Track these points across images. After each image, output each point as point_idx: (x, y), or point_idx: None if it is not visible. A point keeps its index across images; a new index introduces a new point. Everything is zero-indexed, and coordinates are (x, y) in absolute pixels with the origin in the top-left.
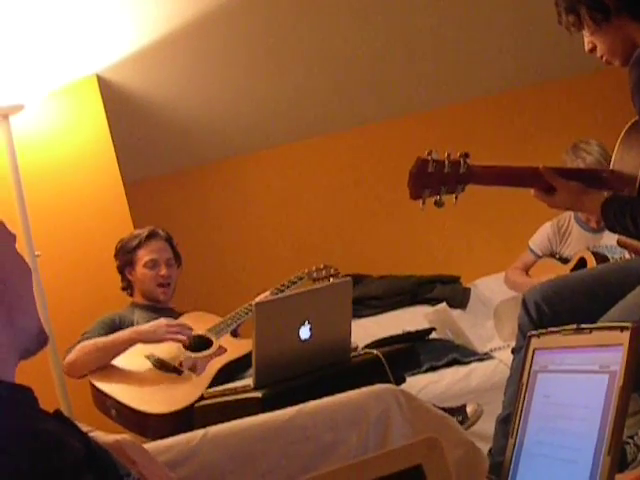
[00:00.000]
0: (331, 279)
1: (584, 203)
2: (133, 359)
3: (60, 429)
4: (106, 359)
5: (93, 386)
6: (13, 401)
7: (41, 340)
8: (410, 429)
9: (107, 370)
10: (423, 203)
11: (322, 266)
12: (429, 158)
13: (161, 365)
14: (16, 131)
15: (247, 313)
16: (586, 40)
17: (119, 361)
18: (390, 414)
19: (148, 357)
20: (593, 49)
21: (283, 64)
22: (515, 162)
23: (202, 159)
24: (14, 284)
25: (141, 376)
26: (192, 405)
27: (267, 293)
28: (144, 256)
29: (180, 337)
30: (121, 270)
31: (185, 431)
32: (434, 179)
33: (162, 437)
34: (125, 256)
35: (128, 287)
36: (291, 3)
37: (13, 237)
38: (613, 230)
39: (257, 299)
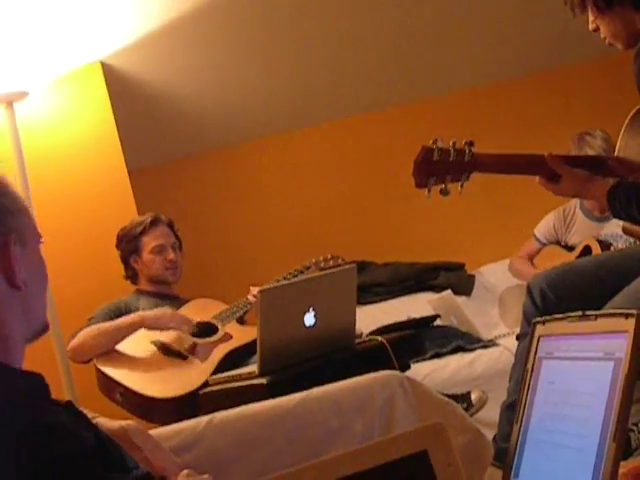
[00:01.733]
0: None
1: (589, 190)
2: (139, 344)
3: (71, 420)
4: (111, 343)
5: (98, 370)
6: (28, 391)
7: (44, 331)
8: (415, 415)
9: (112, 354)
10: (429, 192)
11: (330, 256)
12: (434, 146)
13: (166, 350)
14: (20, 118)
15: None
16: (590, 20)
17: (124, 346)
18: (395, 400)
19: (153, 342)
20: (596, 29)
21: (286, 49)
22: (520, 150)
23: (206, 146)
24: (33, 286)
25: (146, 361)
26: (197, 390)
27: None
28: (150, 242)
29: (183, 327)
30: (125, 259)
31: (190, 415)
32: (439, 167)
33: (167, 421)
34: (129, 244)
35: (133, 275)
36: None
37: (40, 237)
38: (619, 217)
39: (252, 290)
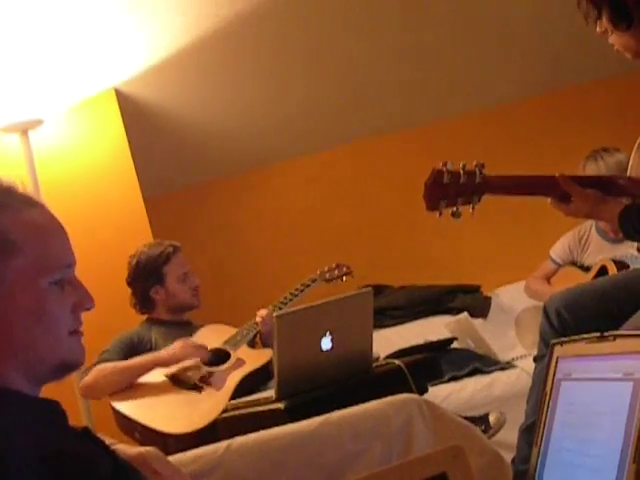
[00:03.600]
0: (344, 278)
1: (601, 212)
2: (152, 378)
3: (89, 448)
4: (123, 384)
5: (115, 410)
6: (41, 420)
7: (65, 370)
8: (433, 438)
9: (126, 390)
10: (440, 214)
11: (334, 265)
12: (444, 169)
13: (181, 383)
14: (35, 146)
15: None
16: (602, 27)
17: (139, 380)
18: (413, 423)
19: (167, 375)
20: (606, 32)
21: (298, 75)
22: (530, 171)
23: (221, 172)
24: (26, 327)
25: (161, 395)
26: (214, 422)
27: (269, 308)
28: (174, 271)
29: (197, 357)
30: (144, 291)
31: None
32: (450, 190)
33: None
34: (151, 276)
35: (149, 306)
36: (301, 18)
37: (47, 272)
38: (631, 238)
39: (259, 313)
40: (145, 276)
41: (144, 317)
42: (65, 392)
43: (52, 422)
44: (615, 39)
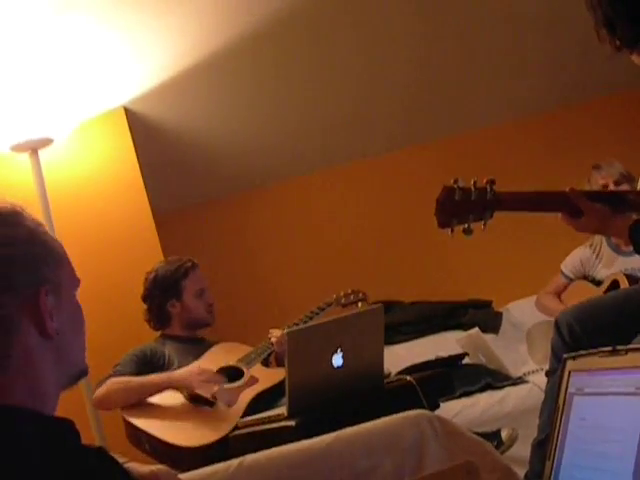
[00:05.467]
0: (359, 304)
1: (611, 227)
2: (166, 392)
3: (104, 467)
4: (135, 399)
5: (125, 420)
6: (56, 438)
7: (82, 374)
8: (445, 454)
9: (139, 404)
10: (451, 232)
11: (350, 291)
12: (455, 186)
13: (194, 398)
14: (45, 165)
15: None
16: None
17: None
18: (425, 439)
19: (180, 390)
20: (619, 49)
21: (306, 92)
22: (542, 187)
23: (230, 189)
24: (67, 333)
25: (174, 409)
26: (226, 437)
27: (284, 328)
28: (192, 286)
29: (209, 391)
30: (160, 304)
31: (219, 461)
32: (461, 207)
33: (196, 469)
34: (169, 289)
35: (164, 320)
36: (312, 35)
37: (77, 282)
38: None
39: (273, 333)
40: (163, 289)
41: (154, 334)
42: (76, 408)
43: (66, 442)
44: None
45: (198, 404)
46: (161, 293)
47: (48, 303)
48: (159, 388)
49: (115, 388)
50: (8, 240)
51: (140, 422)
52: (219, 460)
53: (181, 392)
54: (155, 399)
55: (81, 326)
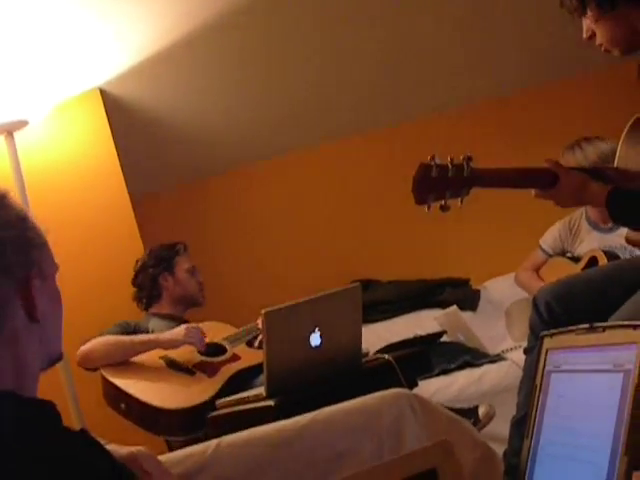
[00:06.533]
0: None
1: (587, 193)
2: (147, 358)
3: (86, 449)
4: (121, 357)
5: (105, 380)
6: (37, 422)
7: (59, 359)
8: (424, 433)
9: (120, 365)
10: (428, 208)
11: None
12: (432, 163)
13: (174, 365)
14: (21, 147)
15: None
16: (585, 27)
17: (133, 359)
18: (404, 418)
19: (162, 357)
20: (592, 36)
21: (285, 71)
22: (518, 164)
23: (208, 170)
24: (50, 317)
25: (154, 374)
26: (203, 404)
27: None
28: (185, 263)
29: (197, 342)
30: (153, 276)
31: (195, 429)
32: (438, 184)
33: (171, 434)
34: (162, 262)
35: (155, 295)
36: (285, 15)
37: (56, 267)
38: (617, 221)
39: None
40: (157, 262)
41: (133, 319)
42: (54, 396)
43: (49, 423)
44: (602, 34)
45: (179, 372)
46: (154, 266)
47: (37, 286)
48: (146, 347)
49: (102, 343)
50: (1, 223)
51: (120, 382)
52: (194, 429)
53: (163, 359)
54: (136, 363)
55: (60, 310)
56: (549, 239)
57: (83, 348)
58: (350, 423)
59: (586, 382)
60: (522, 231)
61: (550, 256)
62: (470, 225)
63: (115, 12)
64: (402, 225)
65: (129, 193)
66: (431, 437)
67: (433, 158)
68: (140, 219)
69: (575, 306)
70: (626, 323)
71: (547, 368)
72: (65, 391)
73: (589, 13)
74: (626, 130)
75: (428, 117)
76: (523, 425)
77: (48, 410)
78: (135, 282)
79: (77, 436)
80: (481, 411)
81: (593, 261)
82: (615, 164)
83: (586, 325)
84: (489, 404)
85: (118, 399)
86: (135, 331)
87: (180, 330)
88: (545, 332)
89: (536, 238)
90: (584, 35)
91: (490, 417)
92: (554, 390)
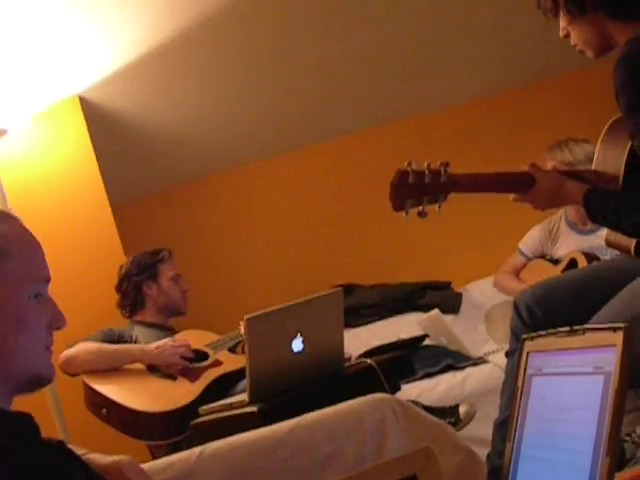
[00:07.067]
0: None
1: (564, 193)
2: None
3: (63, 461)
4: (105, 366)
5: (86, 385)
6: (14, 434)
7: (40, 381)
8: (406, 438)
9: (102, 371)
10: (406, 214)
11: None
12: (409, 169)
13: (156, 370)
14: (0, 156)
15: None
16: (561, 26)
17: None
18: (386, 423)
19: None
20: (567, 36)
21: (265, 74)
22: (496, 168)
23: (187, 176)
24: (7, 336)
25: (135, 378)
26: (184, 407)
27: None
28: (168, 270)
29: (184, 363)
30: (137, 284)
31: (176, 433)
32: (415, 190)
33: (152, 438)
34: (146, 270)
35: (139, 303)
36: (265, 20)
37: (33, 280)
38: (595, 221)
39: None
40: (140, 270)
41: (116, 326)
42: (38, 406)
43: (25, 435)
44: (575, 36)
45: (160, 377)
46: (138, 274)
47: None
48: (132, 358)
49: (86, 349)
50: None
51: (101, 387)
52: (176, 433)
53: (144, 365)
54: (118, 367)
55: (30, 327)
56: (528, 242)
57: (66, 352)
58: (333, 428)
59: (567, 385)
60: (502, 233)
61: (529, 259)
62: (451, 228)
63: (92, 20)
64: (383, 229)
65: (110, 199)
66: (413, 441)
67: (410, 164)
68: (120, 226)
69: (556, 309)
70: (606, 326)
71: (528, 371)
72: (48, 396)
73: (562, 15)
74: (603, 133)
75: (406, 120)
76: (506, 427)
77: (25, 421)
78: (119, 289)
79: (55, 448)
80: (462, 410)
81: (573, 263)
82: (593, 167)
83: (566, 328)
84: (470, 403)
85: (99, 404)
86: (119, 339)
87: (166, 344)
88: (526, 335)
89: (516, 240)
90: (560, 33)
91: (471, 416)
92: (535, 393)
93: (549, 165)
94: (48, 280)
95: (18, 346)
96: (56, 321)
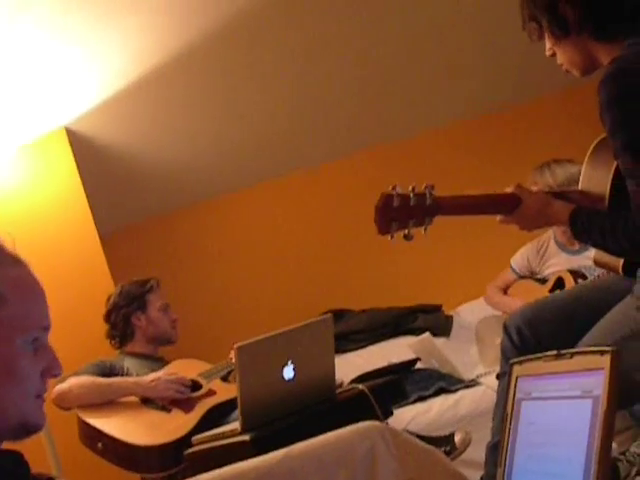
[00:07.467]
0: None
1: (551, 212)
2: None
3: None
4: (98, 400)
5: (81, 420)
6: (3, 472)
7: (28, 429)
8: (397, 465)
9: (96, 405)
10: (392, 237)
11: None
12: (393, 193)
13: (150, 403)
14: None
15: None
16: (547, 46)
17: None
18: (376, 451)
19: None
20: (554, 55)
21: (249, 103)
22: (483, 189)
23: (177, 205)
24: (1, 385)
25: (129, 412)
26: (180, 440)
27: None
28: (157, 300)
29: (179, 395)
30: (126, 315)
31: (173, 465)
32: (401, 213)
33: (149, 471)
34: (135, 300)
35: (129, 335)
36: (246, 46)
37: (27, 327)
38: (581, 240)
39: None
40: (129, 301)
41: (106, 358)
42: (30, 440)
43: (15, 473)
44: (561, 56)
45: (154, 409)
46: (127, 305)
47: None
48: (127, 392)
49: (79, 384)
50: None
51: (96, 422)
52: (172, 465)
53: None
54: (112, 401)
55: (21, 375)
56: (519, 259)
57: (59, 387)
58: (323, 457)
59: (556, 409)
60: (492, 255)
61: (519, 277)
62: (440, 251)
63: (77, 51)
64: (372, 254)
65: (98, 230)
66: (403, 469)
67: (395, 188)
68: (111, 255)
69: (546, 330)
70: (593, 349)
71: (517, 396)
72: (42, 437)
73: (546, 37)
74: (589, 153)
75: (392, 144)
76: (498, 451)
77: (15, 459)
78: (108, 320)
79: None
80: (457, 438)
81: (560, 282)
82: (579, 187)
83: (554, 352)
84: (465, 431)
85: (95, 439)
86: (111, 371)
87: (160, 378)
88: (514, 360)
89: (506, 261)
90: (547, 53)
91: (467, 444)
92: (525, 418)
93: (534, 188)
94: (47, 329)
95: (7, 394)
96: (52, 369)
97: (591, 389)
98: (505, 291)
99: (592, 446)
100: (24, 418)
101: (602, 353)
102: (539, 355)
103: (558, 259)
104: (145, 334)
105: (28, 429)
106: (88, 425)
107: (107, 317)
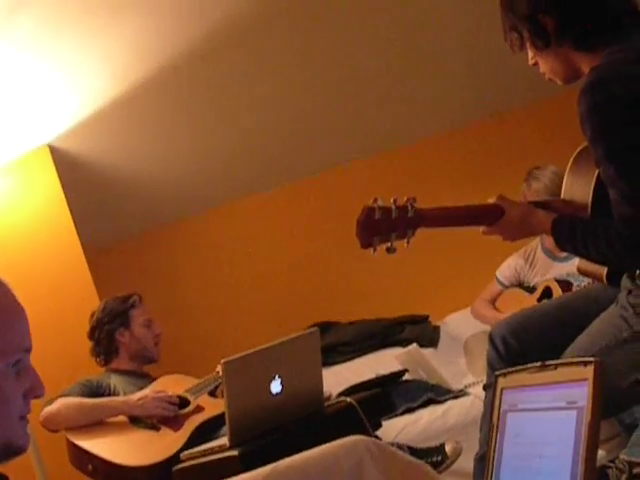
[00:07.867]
0: None
1: (534, 221)
2: None
3: None
4: (88, 421)
5: (70, 442)
6: None
7: (10, 451)
8: (383, 478)
9: (84, 426)
10: (374, 251)
11: None
12: (375, 206)
13: (138, 422)
14: None
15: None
16: (530, 56)
17: None
18: (363, 465)
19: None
20: (536, 64)
21: (232, 118)
22: (471, 201)
23: (161, 221)
24: None
25: (118, 432)
26: (170, 458)
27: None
28: (140, 316)
29: (167, 413)
30: (109, 332)
31: None
32: (382, 226)
33: None
34: (118, 317)
35: (113, 352)
36: (231, 61)
37: (10, 350)
38: (564, 248)
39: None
40: (112, 318)
41: (92, 376)
42: (20, 460)
43: None
44: (543, 66)
45: (143, 428)
46: (110, 322)
47: None
48: (115, 412)
49: (68, 405)
50: None
51: (84, 443)
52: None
53: (126, 416)
54: (101, 421)
55: (2, 397)
56: (505, 270)
57: (47, 409)
58: (310, 472)
59: (541, 420)
60: (478, 265)
61: (506, 287)
62: (426, 262)
63: (59, 69)
64: (359, 266)
65: (83, 247)
66: None
67: (376, 201)
68: (95, 273)
69: (531, 340)
70: (577, 360)
71: (503, 407)
72: (29, 451)
73: (528, 47)
74: (571, 161)
75: (377, 156)
76: (485, 461)
77: None
78: (92, 337)
79: None
80: (448, 448)
81: (547, 291)
82: (562, 196)
83: (538, 363)
84: (456, 441)
85: (84, 461)
86: (98, 390)
87: (147, 396)
88: (499, 372)
89: (492, 270)
90: (529, 62)
91: (457, 454)
92: (510, 429)
93: (529, 197)
94: (29, 350)
95: None
96: (35, 390)
97: (576, 400)
98: (493, 303)
99: (578, 457)
100: (8, 440)
101: (586, 364)
102: (523, 367)
103: (546, 267)
104: (128, 350)
105: (12, 451)
106: (77, 447)
107: (91, 334)
